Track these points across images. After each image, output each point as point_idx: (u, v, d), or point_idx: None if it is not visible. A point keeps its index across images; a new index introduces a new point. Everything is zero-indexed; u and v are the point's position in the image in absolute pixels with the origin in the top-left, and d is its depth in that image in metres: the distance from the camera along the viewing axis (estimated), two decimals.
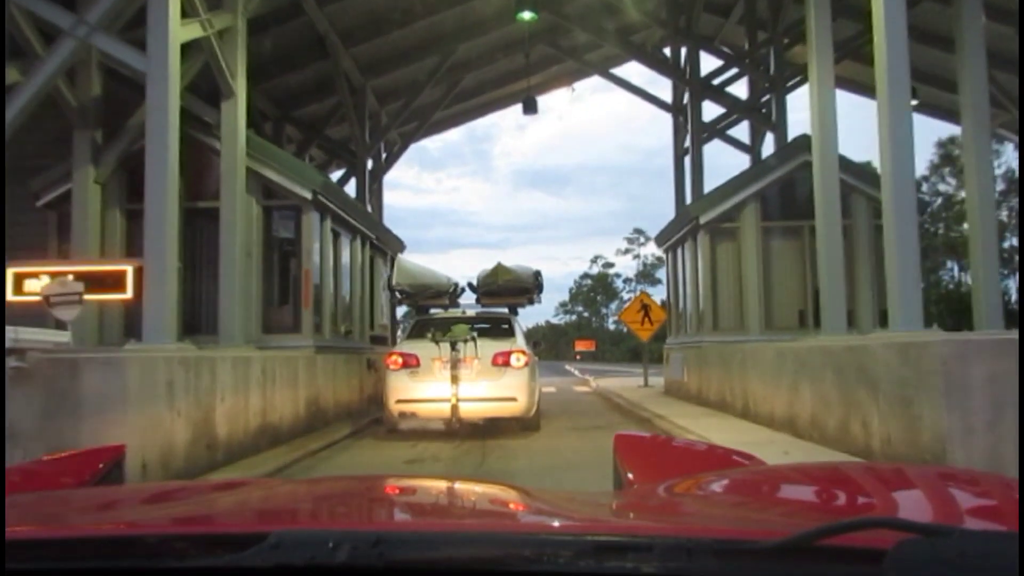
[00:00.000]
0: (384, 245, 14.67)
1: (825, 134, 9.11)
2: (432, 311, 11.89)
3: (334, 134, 17.62)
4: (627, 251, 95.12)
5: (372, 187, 17.43)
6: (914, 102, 9.47)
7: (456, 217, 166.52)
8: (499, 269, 11.56)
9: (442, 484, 1.74)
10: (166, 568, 0.81)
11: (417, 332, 10.16)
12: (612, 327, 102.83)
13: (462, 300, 12.89)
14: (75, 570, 0.83)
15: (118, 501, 1.33)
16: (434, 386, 8.87)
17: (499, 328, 10.35)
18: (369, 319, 13.37)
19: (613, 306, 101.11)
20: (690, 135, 16.38)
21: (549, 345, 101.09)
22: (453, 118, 21.16)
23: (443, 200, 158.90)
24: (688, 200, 16.64)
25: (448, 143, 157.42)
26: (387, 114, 17.72)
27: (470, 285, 12.52)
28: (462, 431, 9.04)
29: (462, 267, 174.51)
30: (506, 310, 11.66)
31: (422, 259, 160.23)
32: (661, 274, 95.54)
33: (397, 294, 12.28)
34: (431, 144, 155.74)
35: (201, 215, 10.00)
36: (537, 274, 12.16)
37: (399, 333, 13.96)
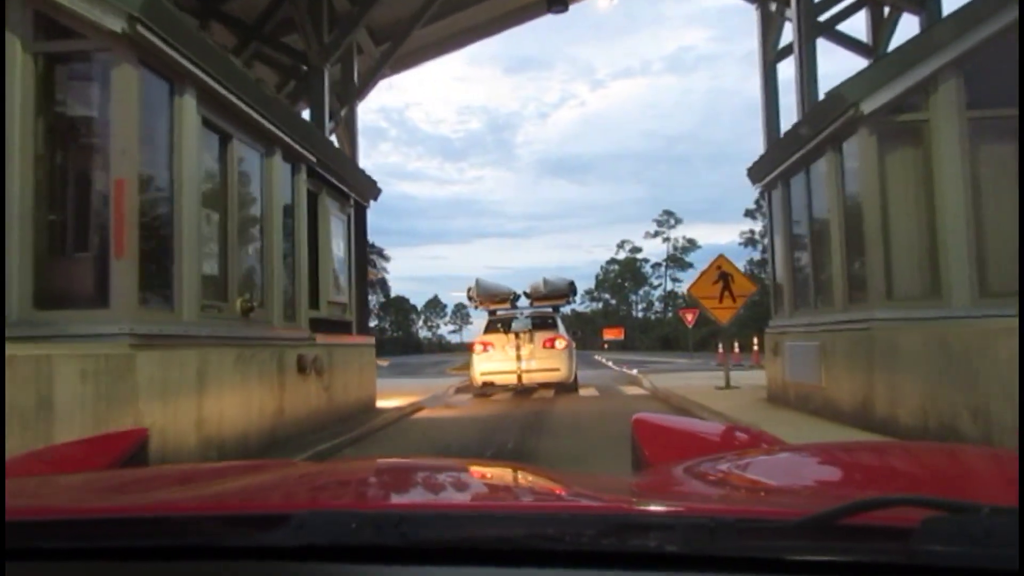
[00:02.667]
0: (342, 181, 9.45)
1: None
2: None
3: (289, 43, 12.43)
4: (656, 234, 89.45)
5: (343, 115, 12.24)
6: None
7: (478, 207, 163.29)
8: (544, 282, 15.88)
9: (464, 466, 1.54)
10: (192, 546, 0.80)
11: (491, 327, 14.05)
12: (640, 314, 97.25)
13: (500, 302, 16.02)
14: (102, 549, 0.81)
15: (143, 482, 1.31)
16: (505, 362, 13.17)
17: (546, 323, 14.19)
18: (307, 291, 8.14)
19: (641, 292, 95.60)
20: (796, 24, 10.91)
21: (574, 333, 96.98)
22: (451, 39, 15.79)
23: (466, 190, 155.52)
24: (781, 128, 11.22)
25: (470, 132, 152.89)
26: (358, 14, 12.45)
27: (525, 293, 16.37)
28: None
29: (486, 257, 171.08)
30: (550, 309, 15.42)
31: (444, 249, 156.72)
32: (693, 257, 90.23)
33: (475, 304, 16.02)
34: (454, 134, 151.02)
35: None
36: (571, 283, 16.40)
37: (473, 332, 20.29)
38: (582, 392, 14.16)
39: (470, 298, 16.15)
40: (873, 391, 6.91)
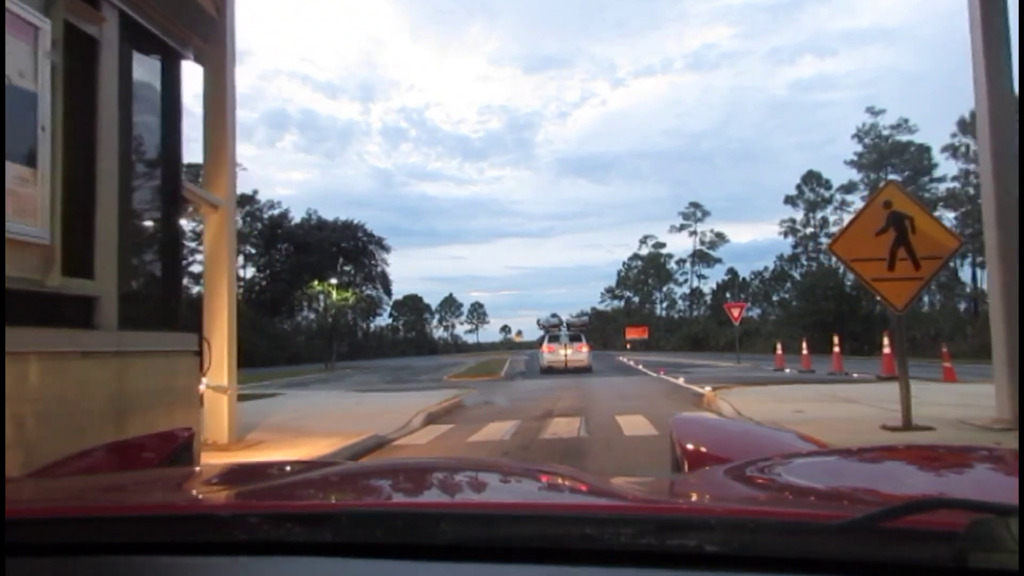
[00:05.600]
0: None
1: None
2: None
3: None
4: (682, 227, 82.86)
5: None
6: None
7: (499, 207, 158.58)
8: (578, 315, 41.35)
9: (503, 466, 1.65)
10: (238, 542, 0.79)
11: (550, 339, 25.29)
12: (663, 313, 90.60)
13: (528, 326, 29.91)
14: (150, 544, 0.82)
15: (191, 480, 1.34)
16: (558, 356, 23.92)
17: (577, 337, 25.35)
18: None
19: (665, 290, 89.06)
20: None
21: (596, 334, 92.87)
22: None
23: (485, 190, 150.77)
24: None
25: (490, 132, 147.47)
26: None
27: (566, 322, 28.91)
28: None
29: (506, 257, 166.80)
30: (579, 331, 27.14)
31: (464, 249, 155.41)
32: (722, 252, 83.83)
33: (541, 327, 29.21)
34: (474, 134, 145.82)
35: None
36: (590, 316, 62.83)
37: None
38: (627, 428, 8.25)
39: (540, 325, 29.53)
40: None
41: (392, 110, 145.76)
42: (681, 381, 16.90)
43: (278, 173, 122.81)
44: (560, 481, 1.21)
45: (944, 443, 3.25)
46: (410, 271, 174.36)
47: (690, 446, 1.52)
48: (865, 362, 24.42)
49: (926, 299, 59.73)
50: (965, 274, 56.07)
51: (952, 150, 39.10)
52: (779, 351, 23.40)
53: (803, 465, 1.26)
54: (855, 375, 17.21)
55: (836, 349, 18.09)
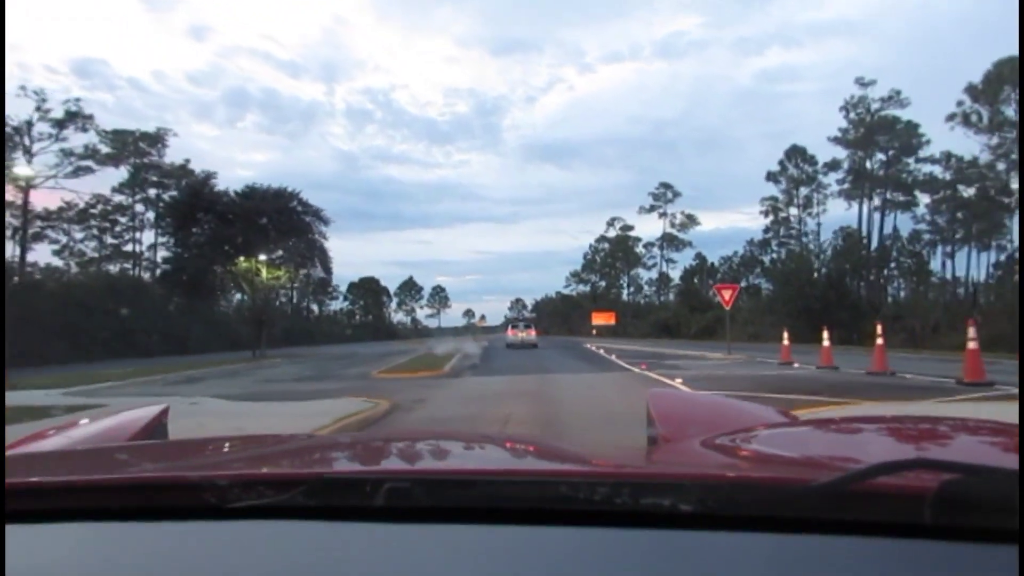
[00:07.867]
0: None
1: None
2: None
3: None
4: (652, 208, 78.64)
5: None
6: None
7: (465, 191, 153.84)
8: (528, 314, 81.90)
9: (477, 436, 1.58)
10: (209, 507, 0.80)
11: (512, 325, 41.06)
12: (630, 298, 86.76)
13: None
14: (122, 509, 0.82)
15: (165, 451, 1.37)
16: (517, 336, 37.90)
17: (530, 325, 41.25)
18: None
19: (633, 274, 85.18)
20: None
21: (560, 319, 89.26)
22: None
23: (451, 174, 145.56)
24: None
25: (457, 115, 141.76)
26: None
27: (524, 316, 76.41)
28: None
29: (471, 241, 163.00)
30: (531, 322, 44.25)
31: (430, 234, 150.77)
32: (693, 235, 79.97)
33: (508, 319, 65.67)
34: (440, 117, 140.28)
35: None
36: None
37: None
38: None
39: (507, 319, 74.92)
40: None
41: (356, 91, 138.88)
42: (679, 383, 12.54)
43: (239, 154, 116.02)
44: (532, 448, 1.21)
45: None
46: (374, 255, 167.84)
47: (666, 419, 1.50)
48: (865, 356, 20.23)
49: (899, 285, 56.82)
50: (936, 263, 52.92)
51: (963, 117, 35.18)
52: (785, 342, 19.19)
53: (779, 435, 1.25)
54: (908, 376, 13.00)
55: (880, 341, 13.69)
